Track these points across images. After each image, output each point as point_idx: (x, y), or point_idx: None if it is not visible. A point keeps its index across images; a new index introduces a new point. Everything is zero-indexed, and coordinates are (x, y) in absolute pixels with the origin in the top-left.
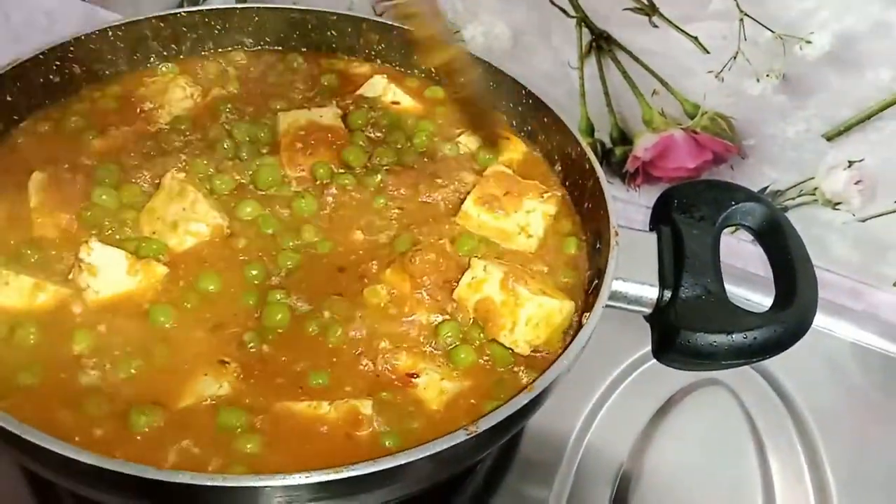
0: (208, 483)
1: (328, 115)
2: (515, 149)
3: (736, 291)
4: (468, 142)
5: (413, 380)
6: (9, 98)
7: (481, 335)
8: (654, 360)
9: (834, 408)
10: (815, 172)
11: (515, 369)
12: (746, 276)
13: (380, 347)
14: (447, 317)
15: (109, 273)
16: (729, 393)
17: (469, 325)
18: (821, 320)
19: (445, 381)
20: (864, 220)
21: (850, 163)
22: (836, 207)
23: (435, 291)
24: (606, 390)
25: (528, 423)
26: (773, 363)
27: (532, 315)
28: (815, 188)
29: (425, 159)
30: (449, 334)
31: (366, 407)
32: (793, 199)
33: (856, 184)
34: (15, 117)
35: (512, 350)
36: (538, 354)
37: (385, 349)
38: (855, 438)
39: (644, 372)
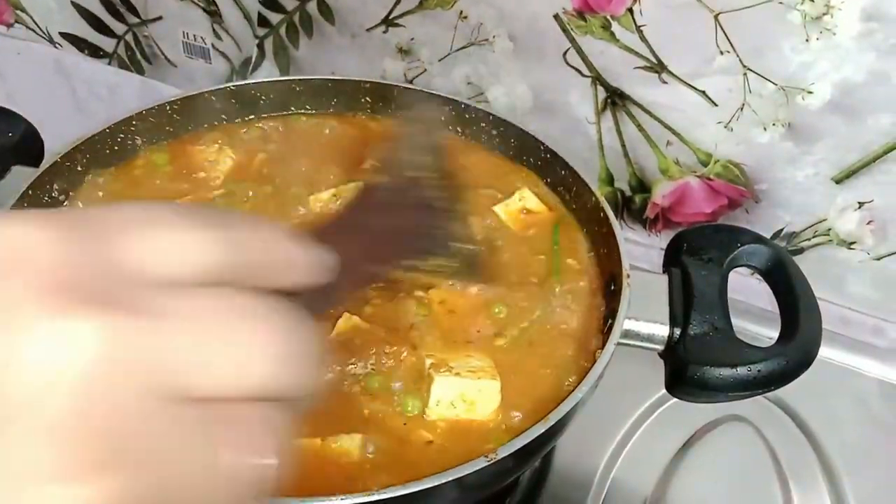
0: None
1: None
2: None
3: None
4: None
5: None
6: (79, 168)
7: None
8: (677, 399)
9: (859, 445)
10: (827, 214)
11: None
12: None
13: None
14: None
15: None
16: (753, 429)
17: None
18: (845, 357)
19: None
20: (879, 259)
21: (860, 204)
22: (851, 247)
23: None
24: (630, 428)
25: (554, 461)
26: (797, 400)
27: (442, 396)
28: (829, 229)
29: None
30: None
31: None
32: (808, 239)
33: (867, 224)
34: (85, 180)
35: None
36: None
37: None
38: (881, 476)
39: (667, 409)
